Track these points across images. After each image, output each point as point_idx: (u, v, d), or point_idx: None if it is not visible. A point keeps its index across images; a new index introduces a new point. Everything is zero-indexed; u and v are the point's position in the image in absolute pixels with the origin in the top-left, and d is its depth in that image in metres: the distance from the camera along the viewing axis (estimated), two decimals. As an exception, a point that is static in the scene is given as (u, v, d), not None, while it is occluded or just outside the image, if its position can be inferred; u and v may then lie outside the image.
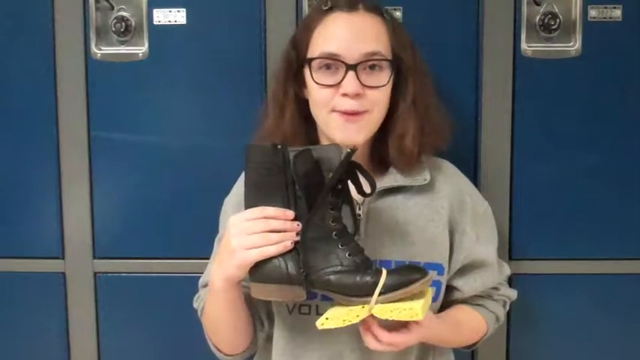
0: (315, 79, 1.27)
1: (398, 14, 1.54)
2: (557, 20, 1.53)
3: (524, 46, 1.55)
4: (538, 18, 1.54)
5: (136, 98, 1.60)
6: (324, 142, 1.34)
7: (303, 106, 1.33)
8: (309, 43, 1.30)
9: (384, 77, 1.28)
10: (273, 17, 1.55)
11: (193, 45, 1.59)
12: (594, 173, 1.58)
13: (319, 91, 1.28)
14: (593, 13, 1.54)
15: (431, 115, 1.34)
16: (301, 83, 1.33)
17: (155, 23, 1.57)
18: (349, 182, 1.19)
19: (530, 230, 1.59)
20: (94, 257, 1.64)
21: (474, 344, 1.42)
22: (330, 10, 1.31)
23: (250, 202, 1.19)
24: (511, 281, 1.52)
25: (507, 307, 1.47)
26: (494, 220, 1.44)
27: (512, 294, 1.47)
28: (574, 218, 1.59)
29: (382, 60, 1.28)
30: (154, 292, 1.64)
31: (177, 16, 1.57)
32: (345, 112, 1.26)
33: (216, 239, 1.41)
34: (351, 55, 1.26)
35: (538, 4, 1.53)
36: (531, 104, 1.56)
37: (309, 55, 1.30)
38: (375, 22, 1.30)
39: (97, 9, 1.57)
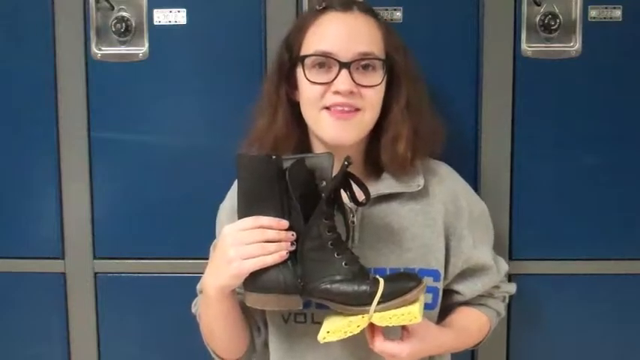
0: (308, 77, 1.26)
1: (398, 14, 1.54)
2: (557, 20, 1.53)
3: (524, 46, 1.54)
4: (538, 18, 1.54)
5: (136, 98, 1.60)
6: (315, 145, 1.33)
7: (294, 108, 1.32)
8: (302, 42, 1.30)
9: (377, 77, 1.28)
10: (273, 17, 1.55)
11: (193, 45, 1.59)
12: (594, 173, 1.58)
13: (311, 87, 1.27)
14: (593, 13, 1.54)
15: (425, 119, 1.33)
16: (293, 85, 1.32)
17: (155, 23, 1.57)
18: (343, 190, 1.19)
19: (530, 230, 1.59)
20: (94, 257, 1.64)
21: (479, 343, 1.42)
22: (324, 10, 1.30)
23: (243, 211, 1.18)
24: (510, 279, 1.52)
25: (507, 301, 1.47)
26: (490, 219, 1.43)
27: (512, 288, 1.47)
28: (574, 218, 1.59)
29: (376, 60, 1.28)
30: (154, 292, 1.64)
31: (177, 16, 1.57)
32: (336, 105, 1.25)
33: (211, 246, 1.40)
34: (345, 54, 1.25)
35: (538, 4, 1.52)
36: (531, 104, 1.56)
37: (303, 53, 1.29)
38: (369, 23, 1.30)
39: (97, 9, 1.57)
